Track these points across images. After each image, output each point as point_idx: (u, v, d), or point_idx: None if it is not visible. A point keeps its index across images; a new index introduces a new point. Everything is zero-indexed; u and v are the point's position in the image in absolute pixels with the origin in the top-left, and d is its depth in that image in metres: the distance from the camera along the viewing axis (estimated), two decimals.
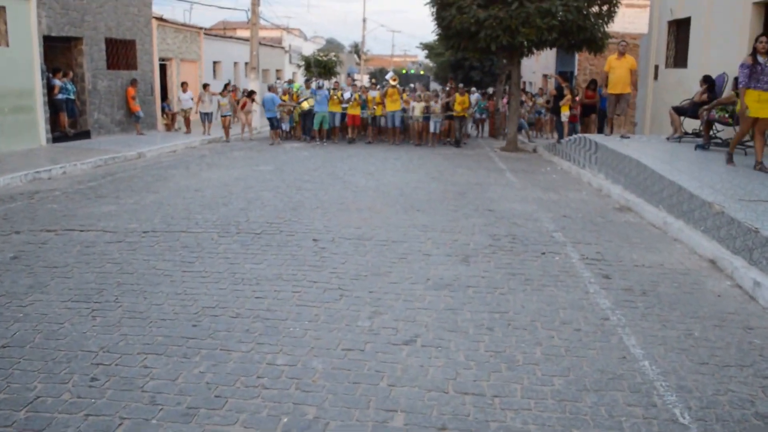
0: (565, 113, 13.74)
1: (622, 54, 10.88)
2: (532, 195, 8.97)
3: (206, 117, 17.42)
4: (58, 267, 5.30)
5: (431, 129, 16.04)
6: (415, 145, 16.21)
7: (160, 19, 19.60)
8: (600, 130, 14.06)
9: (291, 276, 5.05)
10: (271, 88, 17.40)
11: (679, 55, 12.68)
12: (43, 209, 7.61)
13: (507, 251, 5.87)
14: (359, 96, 16.39)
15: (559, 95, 13.91)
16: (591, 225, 7.06)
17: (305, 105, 16.85)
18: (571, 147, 12.21)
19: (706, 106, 9.09)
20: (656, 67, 13.39)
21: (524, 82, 23.42)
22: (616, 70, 10.80)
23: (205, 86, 18.09)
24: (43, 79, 13.52)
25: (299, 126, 17.42)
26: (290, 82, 23.01)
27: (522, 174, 11.25)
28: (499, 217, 7.34)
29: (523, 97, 18.26)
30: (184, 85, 18.09)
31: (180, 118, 18.69)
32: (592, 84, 14.42)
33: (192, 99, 17.81)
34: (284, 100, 17.20)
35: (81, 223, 6.83)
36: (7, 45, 12.56)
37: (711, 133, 9.30)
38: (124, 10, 16.79)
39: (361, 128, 17.29)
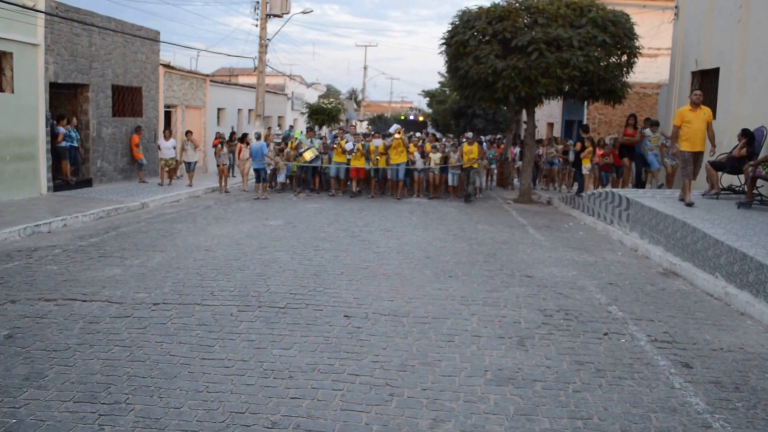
0: (586, 165, 13.28)
1: (696, 105, 9.03)
2: (566, 256, 8.38)
3: (189, 167, 16.08)
4: (59, 350, 4.63)
5: (449, 182, 15.10)
6: (429, 198, 15.22)
7: (167, 66, 19.39)
8: (638, 181, 12.77)
9: (328, 367, 4.39)
10: (260, 137, 15.62)
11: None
12: (42, 271, 6.97)
13: (564, 331, 5.23)
14: (363, 146, 15.11)
15: (582, 148, 13.44)
16: (643, 295, 6.45)
17: (308, 155, 15.26)
18: (594, 201, 11.71)
19: (751, 162, 8.64)
20: None
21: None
22: (693, 123, 8.97)
23: (188, 134, 16.63)
24: (47, 127, 13.09)
25: (296, 178, 15.97)
26: (290, 128, 22.37)
27: (546, 230, 10.69)
28: (541, 285, 6.73)
29: (541, 150, 17.38)
30: (165, 133, 16.35)
31: (189, 169, 17.57)
32: (632, 118, 12.77)
33: (174, 148, 16.08)
34: (282, 148, 15.96)
35: (83, 290, 6.18)
36: (12, 91, 12.17)
37: (755, 190, 8.81)
38: (133, 57, 16.55)
39: (365, 180, 16.00)
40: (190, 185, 15.72)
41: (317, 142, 15.77)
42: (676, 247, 7.82)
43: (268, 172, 15.25)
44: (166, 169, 15.97)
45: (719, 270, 6.58)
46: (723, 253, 6.51)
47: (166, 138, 15.97)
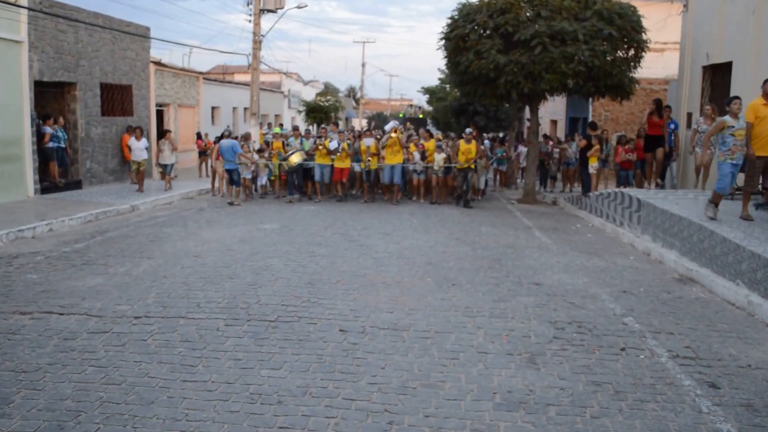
0: (593, 164, 12.85)
1: None
2: (575, 261, 7.98)
3: (167, 169, 14.74)
4: (28, 371, 4.23)
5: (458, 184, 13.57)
6: (432, 202, 13.84)
7: (159, 63, 18.97)
8: (662, 179, 11.77)
9: (321, 390, 3.98)
10: (230, 134, 13.94)
11: (716, 103, 11.86)
12: (21, 281, 6.57)
13: (578, 346, 4.83)
14: (348, 145, 13.59)
15: (588, 145, 12.99)
16: (660, 304, 6.05)
17: (294, 159, 13.63)
18: (603, 202, 11.31)
19: None
20: (689, 115, 12.63)
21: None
22: (766, 121, 7.27)
23: (166, 133, 15.24)
24: (32, 127, 12.66)
25: (279, 181, 14.42)
26: (280, 125, 20.75)
27: (553, 233, 10.28)
28: (550, 293, 6.32)
29: (549, 147, 16.52)
30: (136, 131, 14.48)
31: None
32: (656, 104, 11.22)
33: (147, 149, 14.50)
34: (263, 148, 14.48)
35: (62, 302, 5.77)
36: None
37: None
38: (122, 54, 16.11)
39: (351, 183, 14.51)
40: (168, 188, 14.52)
41: (307, 144, 14.41)
42: (692, 251, 7.42)
43: (248, 175, 14.05)
44: (164, 172, 14.77)
45: (740, 277, 6.18)
46: (744, 258, 6.11)
47: (137, 137, 14.30)
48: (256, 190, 14.73)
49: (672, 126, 11.99)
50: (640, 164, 12.56)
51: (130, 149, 14.47)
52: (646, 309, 5.85)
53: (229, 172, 13.41)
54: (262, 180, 14.64)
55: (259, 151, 14.48)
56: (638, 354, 4.71)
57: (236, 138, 14.63)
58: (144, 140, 14.47)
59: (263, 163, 14.31)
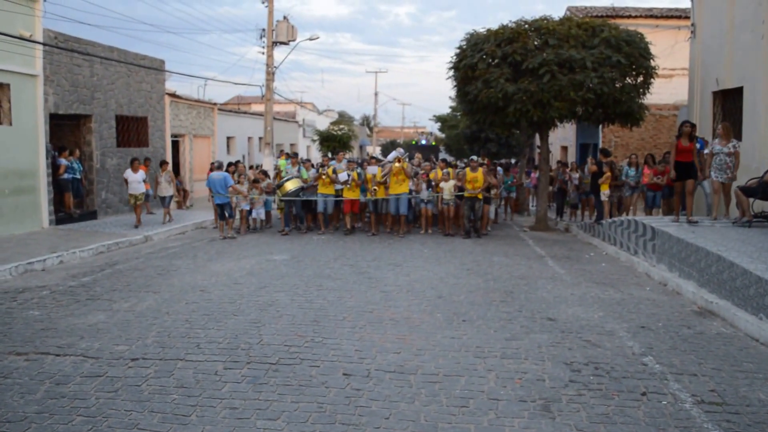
0: (604, 191, 12.58)
1: None
2: (590, 293, 7.69)
3: (164, 201, 14.38)
4: (13, 422, 4.06)
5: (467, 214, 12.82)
6: (444, 234, 13.02)
7: (173, 95, 19.20)
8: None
9: None
10: (221, 166, 13.14)
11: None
12: (22, 318, 6.47)
13: (595, 391, 4.55)
14: (358, 175, 12.99)
15: (599, 172, 12.74)
16: (681, 341, 5.74)
17: (289, 186, 13.06)
18: (616, 229, 11.02)
19: None
20: None
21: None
22: None
23: (162, 164, 14.85)
24: (48, 159, 12.78)
25: (284, 213, 13.70)
26: (281, 153, 19.93)
27: (566, 262, 10.00)
28: (565, 330, 6.05)
29: (566, 174, 15.86)
30: (135, 164, 13.60)
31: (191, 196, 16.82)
32: (687, 125, 9.55)
33: (144, 181, 13.57)
34: (258, 178, 13.85)
35: (60, 342, 5.63)
36: (10, 123, 11.88)
37: None
38: (137, 86, 16.33)
39: (360, 215, 13.92)
40: (167, 221, 14.18)
41: (305, 172, 13.78)
42: (711, 282, 7.11)
43: (247, 206, 13.53)
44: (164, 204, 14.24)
45: (764, 311, 5.86)
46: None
47: (135, 170, 13.42)
48: (248, 225, 13.95)
49: (698, 146, 11.07)
50: (668, 191, 11.60)
51: (127, 182, 13.62)
52: (666, 347, 5.55)
53: (220, 206, 12.57)
54: (258, 213, 13.96)
55: (254, 182, 13.83)
56: (660, 399, 4.41)
57: (231, 166, 14.03)
58: (141, 172, 13.59)
59: (257, 195, 13.67)
